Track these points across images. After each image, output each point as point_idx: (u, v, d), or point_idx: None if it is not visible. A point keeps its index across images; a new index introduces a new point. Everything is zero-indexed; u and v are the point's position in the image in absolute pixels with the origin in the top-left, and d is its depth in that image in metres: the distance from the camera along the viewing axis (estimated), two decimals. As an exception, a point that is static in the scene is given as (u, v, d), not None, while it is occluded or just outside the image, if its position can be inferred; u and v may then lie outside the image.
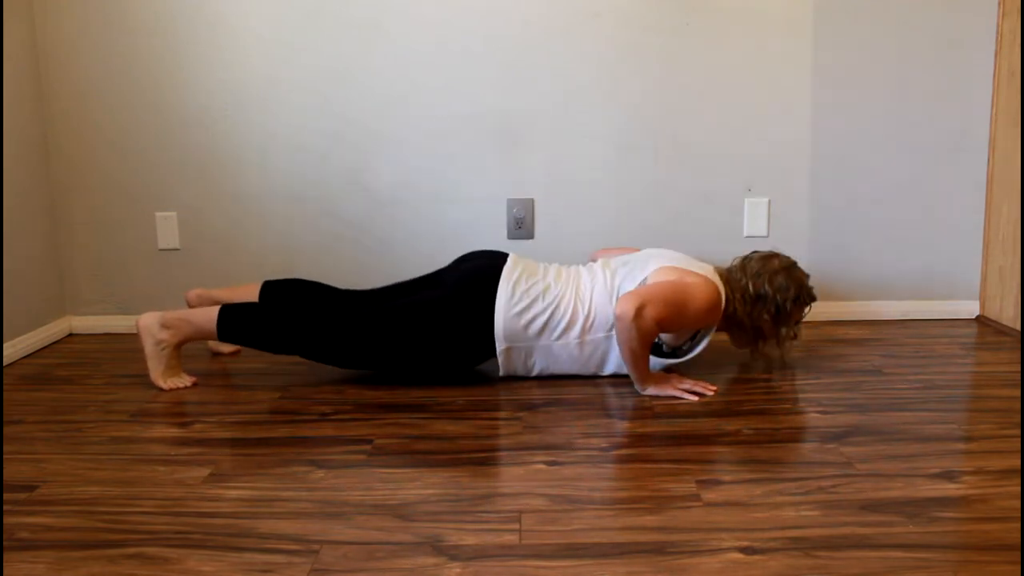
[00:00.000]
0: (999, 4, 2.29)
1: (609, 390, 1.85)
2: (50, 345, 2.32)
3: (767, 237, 2.41)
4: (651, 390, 1.80)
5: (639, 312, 1.70)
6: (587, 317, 1.83)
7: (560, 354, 1.86)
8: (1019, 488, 1.32)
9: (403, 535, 1.21)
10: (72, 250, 2.42)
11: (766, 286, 1.86)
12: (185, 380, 1.92)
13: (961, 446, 1.52)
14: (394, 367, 1.89)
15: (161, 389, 1.89)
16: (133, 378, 1.96)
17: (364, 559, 1.14)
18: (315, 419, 1.70)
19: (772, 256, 1.92)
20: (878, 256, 2.44)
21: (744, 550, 1.15)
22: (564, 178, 2.37)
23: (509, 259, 1.91)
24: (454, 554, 1.15)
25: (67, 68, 2.32)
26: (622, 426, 1.63)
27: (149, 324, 1.88)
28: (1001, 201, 2.34)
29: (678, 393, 1.79)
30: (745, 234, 2.42)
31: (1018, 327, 2.26)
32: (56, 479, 1.42)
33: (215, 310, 1.87)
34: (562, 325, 1.83)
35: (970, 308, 2.46)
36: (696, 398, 1.79)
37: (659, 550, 1.15)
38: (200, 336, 1.89)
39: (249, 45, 2.31)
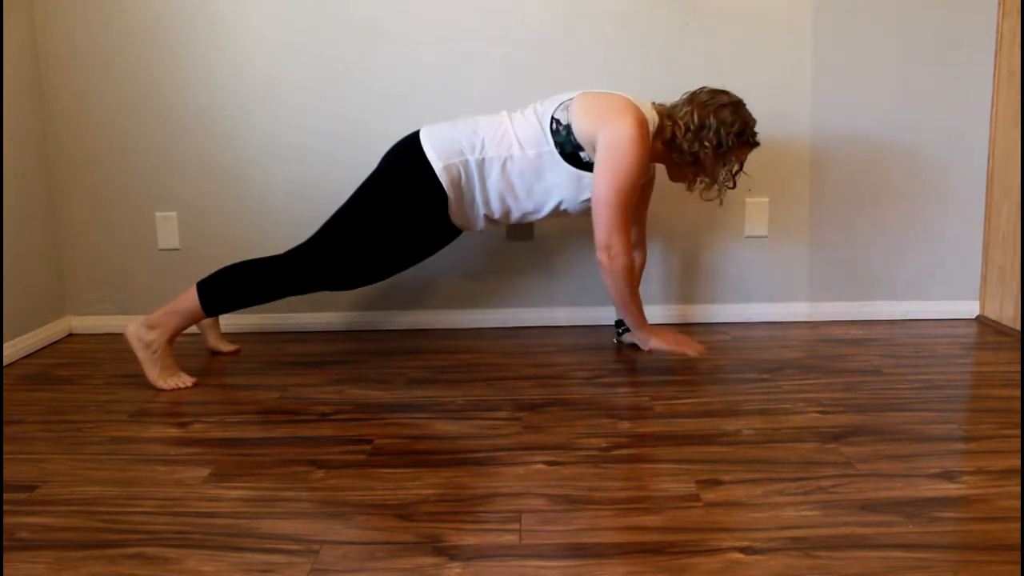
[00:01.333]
0: (999, 4, 2.29)
1: (609, 390, 1.85)
2: (50, 345, 2.32)
3: (767, 237, 2.41)
4: (654, 342, 1.91)
5: (608, 251, 1.78)
6: (518, 136, 1.83)
7: (502, 174, 1.85)
8: (1019, 488, 1.32)
9: (403, 535, 1.21)
10: (72, 250, 2.42)
11: (711, 117, 1.82)
12: (184, 380, 1.92)
13: (961, 446, 1.52)
14: (378, 257, 1.89)
15: (161, 390, 1.89)
16: (133, 378, 1.96)
17: (364, 559, 1.14)
18: (315, 419, 1.70)
19: (722, 92, 1.87)
20: (878, 256, 2.44)
21: (744, 550, 1.15)
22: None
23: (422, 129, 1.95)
24: (454, 554, 1.15)
25: (67, 68, 2.32)
26: (622, 426, 1.63)
27: (135, 330, 1.89)
28: (1001, 201, 2.34)
29: (680, 348, 1.91)
30: (745, 234, 2.42)
31: (1018, 327, 2.26)
32: (56, 479, 1.43)
33: (192, 290, 1.88)
34: (490, 139, 1.84)
35: (970, 308, 2.46)
36: (695, 354, 1.90)
37: (659, 550, 1.15)
38: (188, 322, 1.90)
39: (249, 45, 2.31)
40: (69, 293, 2.44)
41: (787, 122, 2.35)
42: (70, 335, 2.43)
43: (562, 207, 1.91)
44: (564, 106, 1.83)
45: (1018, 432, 1.56)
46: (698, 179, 1.93)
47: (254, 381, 1.97)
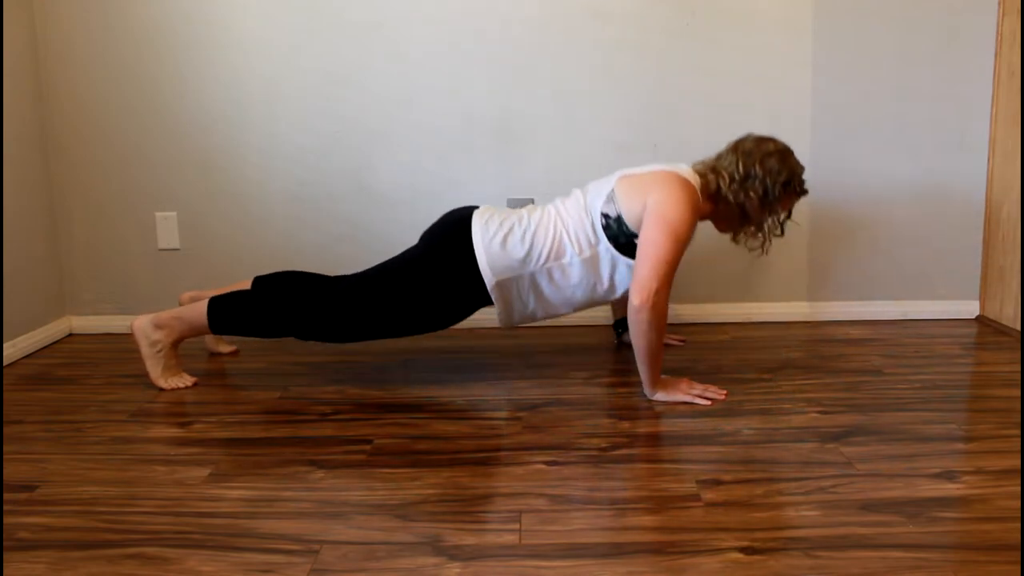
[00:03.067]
0: (999, 4, 2.29)
1: (609, 390, 1.85)
2: (50, 345, 2.32)
3: (767, 237, 2.41)
4: (660, 395, 1.77)
5: (647, 292, 1.66)
6: (571, 236, 1.77)
7: (556, 280, 1.80)
8: (1019, 488, 1.32)
9: (403, 535, 1.21)
10: (72, 250, 2.42)
11: (756, 166, 1.77)
12: (186, 380, 1.92)
13: (961, 446, 1.52)
14: (388, 330, 1.85)
15: (162, 389, 1.89)
16: (133, 378, 1.96)
17: (364, 559, 1.14)
18: (315, 419, 1.70)
19: (767, 139, 1.82)
20: (878, 256, 2.44)
21: (744, 550, 1.15)
22: (564, 178, 2.37)
23: (479, 207, 1.88)
24: (454, 554, 1.15)
25: (67, 68, 2.32)
26: (622, 426, 1.63)
27: (142, 326, 1.89)
28: (1001, 201, 2.34)
29: (688, 398, 1.76)
30: (743, 229, 2.41)
31: (1018, 327, 2.26)
32: (56, 479, 1.42)
33: (204, 303, 1.86)
34: (546, 248, 1.77)
35: (970, 308, 2.46)
36: (708, 403, 1.76)
37: (659, 550, 1.15)
38: (193, 332, 1.89)
39: (249, 46, 2.31)
40: (69, 293, 2.44)
41: (787, 122, 2.34)
42: (70, 335, 2.43)
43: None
44: (608, 198, 1.75)
45: (1018, 432, 1.56)
46: (744, 230, 1.87)
47: (254, 381, 1.97)
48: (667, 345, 1.75)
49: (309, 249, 2.40)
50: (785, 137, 2.38)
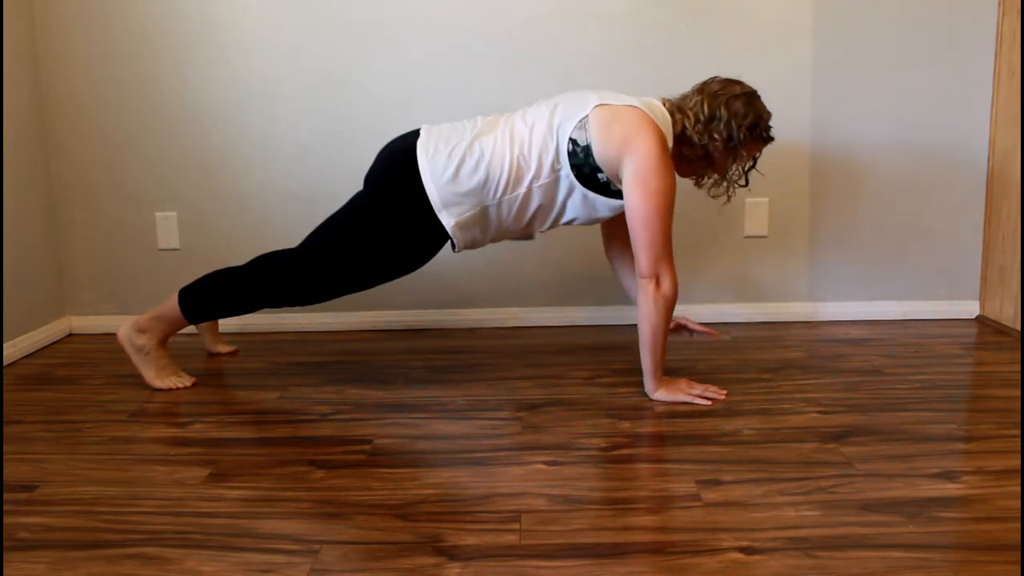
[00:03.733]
0: (999, 4, 2.29)
1: (609, 390, 1.85)
2: (50, 345, 2.32)
3: (767, 237, 2.41)
4: (661, 394, 1.76)
5: (655, 279, 1.65)
6: (533, 169, 1.70)
7: (513, 211, 1.75)
8: (1019, 488, 1.32)
9: (403, 535, 1.21)
10: (72, 250, 2.42)
11: (721, 108, 1.72)
12: (184, 379, 1.92)
13: (961, 446, 1.52)
14: (352, 283, 1.80)
15: (158, 390, 1.89)
16: (133, 378, 1.96)
17: (364, 559, 1.14)
18: (315, 419, 1.70)
19: (735, 82, 1.78)
20: (878, 256, 2.44)
21: (744, 550, 1.15)
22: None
23: (421, 132, 1.79)
24: (454, 554, 1.15)
25: (67, 68, 2.32)
26: (622, 426, 1.63)
27: (126, 333, 1.89)
28: (1001, 201, 2.34)
29: (688, 398, 1.75)
30: (745, 234, 2.42)
31: (1018, 327, 2.26)
32: (56, 479, 1.42)
33: (175, 295, 1.87)
34: (503, 178, 1.70)
35: (970, 308, 2.46)
36: (708, 403, 1.75)
37: (659, 550, 1.15)
38: (174, 327, 1.89)
39: (249, 45, 2.31)
40: (69, 293, 2.44)
41: (787, 122, 2.34)
42: (70, 335, 2.43)
43: (574, 223, 1.83)
44: (581, 124, 1.68)
45: (1018, 432, 1.56)
46: (707, 175, 1.83)
47: (254, 381, 1.97)
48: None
49: (309, 249, 2.40)
50: (785, 137, 2.38)
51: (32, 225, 2.29)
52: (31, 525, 1.26)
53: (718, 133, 1.73)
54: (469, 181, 1.70)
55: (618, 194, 1.74)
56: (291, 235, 2.40)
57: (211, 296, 1.85)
